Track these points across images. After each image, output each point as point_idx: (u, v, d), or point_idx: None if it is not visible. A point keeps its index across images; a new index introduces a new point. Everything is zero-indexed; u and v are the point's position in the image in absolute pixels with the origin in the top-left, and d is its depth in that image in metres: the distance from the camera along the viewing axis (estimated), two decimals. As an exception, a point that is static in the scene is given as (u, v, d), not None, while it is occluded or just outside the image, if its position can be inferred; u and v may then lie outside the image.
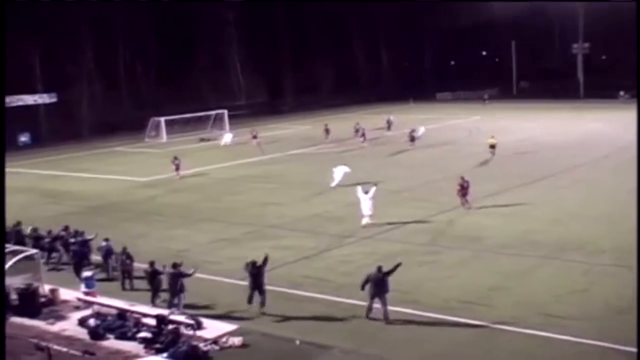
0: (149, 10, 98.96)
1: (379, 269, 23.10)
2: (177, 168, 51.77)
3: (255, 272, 24.06)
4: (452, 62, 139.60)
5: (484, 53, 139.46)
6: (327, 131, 68.76)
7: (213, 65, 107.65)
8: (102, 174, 56.74)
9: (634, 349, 19.65)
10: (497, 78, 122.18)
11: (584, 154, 54.23)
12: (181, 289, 24.50)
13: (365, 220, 34.53)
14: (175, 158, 52.44)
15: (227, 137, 71.31)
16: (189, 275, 24.78)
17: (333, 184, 44.46)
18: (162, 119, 77.98)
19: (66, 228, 32.15)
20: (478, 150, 55.39)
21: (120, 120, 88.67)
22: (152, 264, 25.82)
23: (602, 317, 22.34)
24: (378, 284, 22.82)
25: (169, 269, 24.86)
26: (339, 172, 44.97)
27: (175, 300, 24.41)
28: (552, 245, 30.39)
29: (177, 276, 24.55)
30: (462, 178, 37.80)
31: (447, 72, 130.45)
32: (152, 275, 25.52)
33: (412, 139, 61.42)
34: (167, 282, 24.90)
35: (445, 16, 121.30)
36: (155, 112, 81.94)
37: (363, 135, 64.71)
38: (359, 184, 37.74)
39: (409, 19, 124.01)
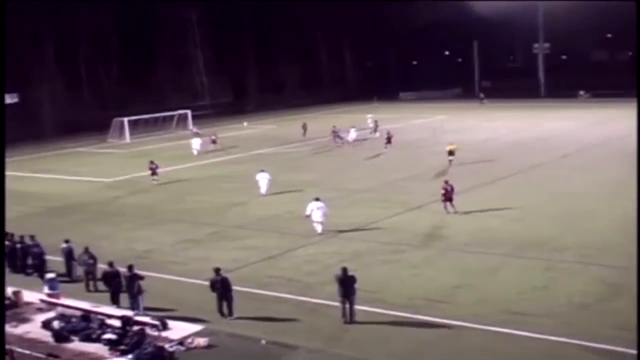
0: (111, 10, 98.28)
1: (344, 270, 23.01)
2: (154, 172, 48.93)
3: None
4: (415, 62, 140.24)
5: (447, 53, 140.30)
6: (305, 129, 71.14)
7: (176, 65, 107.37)
8: (65, 175, 56.21)
9: (596, 344, 20.05)
10: (460, 78, 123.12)
11: (546, 152, 54.76)
12: (139, 291, 24.45)
13: (320, 228, 33.34)
14: (152, 162, 49.40)
15: (195, 143, 63.60)
16: (142, 278, 24.72)
17: (263, 191, 42.64)
18: (125, 120, 77.25)
19: (12, 235, 31.11)
20: (442, 150, 55.53)
21: (83, 120, 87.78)
22: (111, 264, 25.80)
23: (564, 313, 22.63)
24: (344, 285, 22.79)
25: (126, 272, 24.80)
26: (263, 181, 43.00)
27: (135, 304, 24.35)
28: (515, 243, 30.68)
29: (133, 278, 24.50)
30: (446, 182, 36.22)
31: (410, 72, 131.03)
32: (112, 277, 25.43)
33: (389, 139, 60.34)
34: (125, 285, 24.85)
35: (408, 16, 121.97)
36: (117, 112, 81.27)
37: (339, 136, 64.94)
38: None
39: (372, 20, 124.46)
